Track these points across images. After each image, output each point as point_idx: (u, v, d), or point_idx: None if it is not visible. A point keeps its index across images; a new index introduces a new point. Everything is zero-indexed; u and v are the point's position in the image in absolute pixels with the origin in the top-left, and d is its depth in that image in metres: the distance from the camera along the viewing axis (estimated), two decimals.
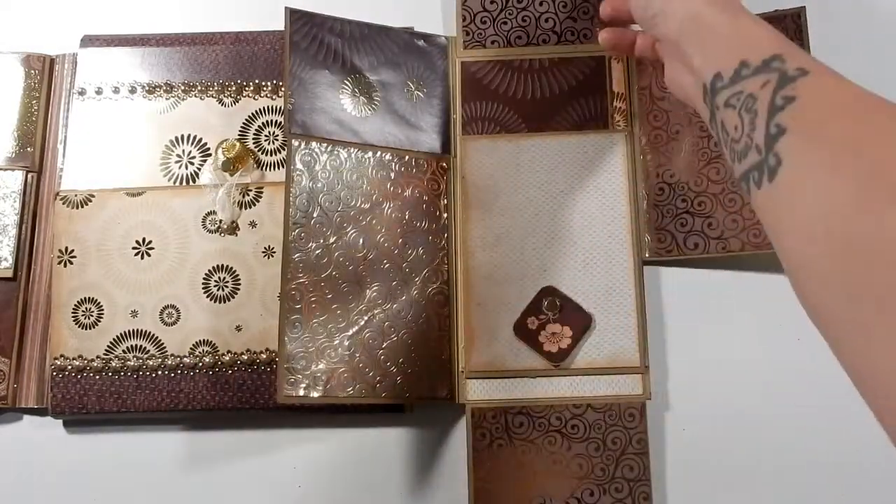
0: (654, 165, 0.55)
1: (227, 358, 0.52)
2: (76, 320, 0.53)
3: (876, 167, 0.27)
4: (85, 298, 0.53)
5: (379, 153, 0.53)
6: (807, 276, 0.29)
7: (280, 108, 0.56)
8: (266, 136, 0.56)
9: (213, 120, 0.56)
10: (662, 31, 0.42)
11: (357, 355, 0.50)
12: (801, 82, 0.32)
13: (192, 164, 0.55)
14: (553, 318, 0.52)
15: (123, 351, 0.52)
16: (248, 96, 0.57)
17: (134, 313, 0.53)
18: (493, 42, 0.57)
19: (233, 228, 0.54)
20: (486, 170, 0.55)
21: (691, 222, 0.53)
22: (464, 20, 0.57)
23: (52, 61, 0.58)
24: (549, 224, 0.54)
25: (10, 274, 0.54)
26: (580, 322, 0.52)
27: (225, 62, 0.57)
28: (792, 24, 0.54)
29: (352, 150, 0.53)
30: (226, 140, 0.55)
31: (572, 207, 0.54)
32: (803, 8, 0.54)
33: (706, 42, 0.38)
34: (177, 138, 0.56)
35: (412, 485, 0.52)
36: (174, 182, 0.55)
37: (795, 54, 0.34)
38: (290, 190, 0.51)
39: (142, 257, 0.54)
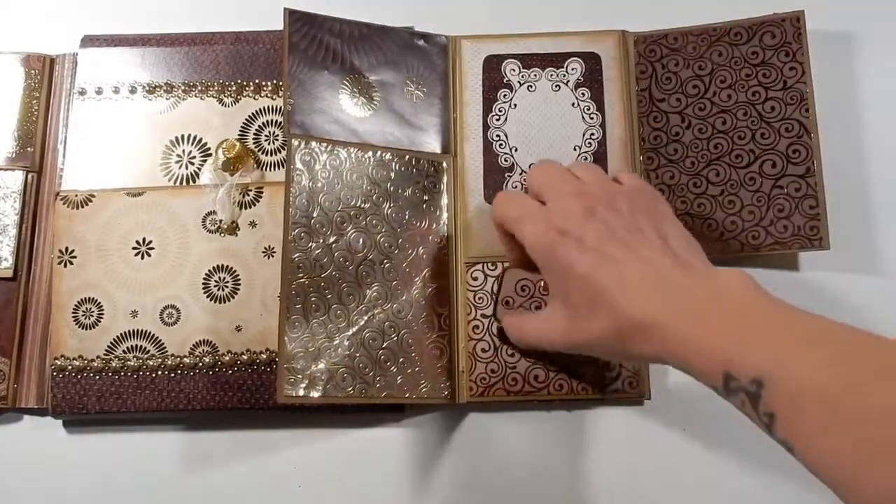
0: (654, 167, 0.55)
1: (227, 358, 0.52)
2: (76, 320, 0.53)
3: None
4: (85, 298, 0.53)
5: (379, 153, 0.54)
6: None
7: (280, 107, 0.56)
8: (266, 136, 0.56)
9: (213, 120, 0.56)
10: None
11: (357, 355, 0.50)
12: (766, 396, 0.32)
13: (192, 164, 0.56)
14: None
15: (124, 351, 0.52)
16: (248, 96, 0.57)
17: (134, 313, 0.53)
18: None
19: (233, 228, 0.54)
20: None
21: (691, 223, 0.53)
22: None
23: (52, 61, 0.58)
24: None
25: (10, 274, 0.54)
26: None
27: (225, 62, 0.57)
28: (791, 28, 0.54)
29: (352, 150, 0.53)
30: (226, 140, 0.55)
31: None
32: (802, 11, 0.54)
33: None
34: (177, 138, 0.56)
35: (412, 485, 0.52)
36: (174, 182, 0.55)
37: (745, 358, 0.34)
38: (290, 190, 0.51)
39: (142, 257, 0.54)
